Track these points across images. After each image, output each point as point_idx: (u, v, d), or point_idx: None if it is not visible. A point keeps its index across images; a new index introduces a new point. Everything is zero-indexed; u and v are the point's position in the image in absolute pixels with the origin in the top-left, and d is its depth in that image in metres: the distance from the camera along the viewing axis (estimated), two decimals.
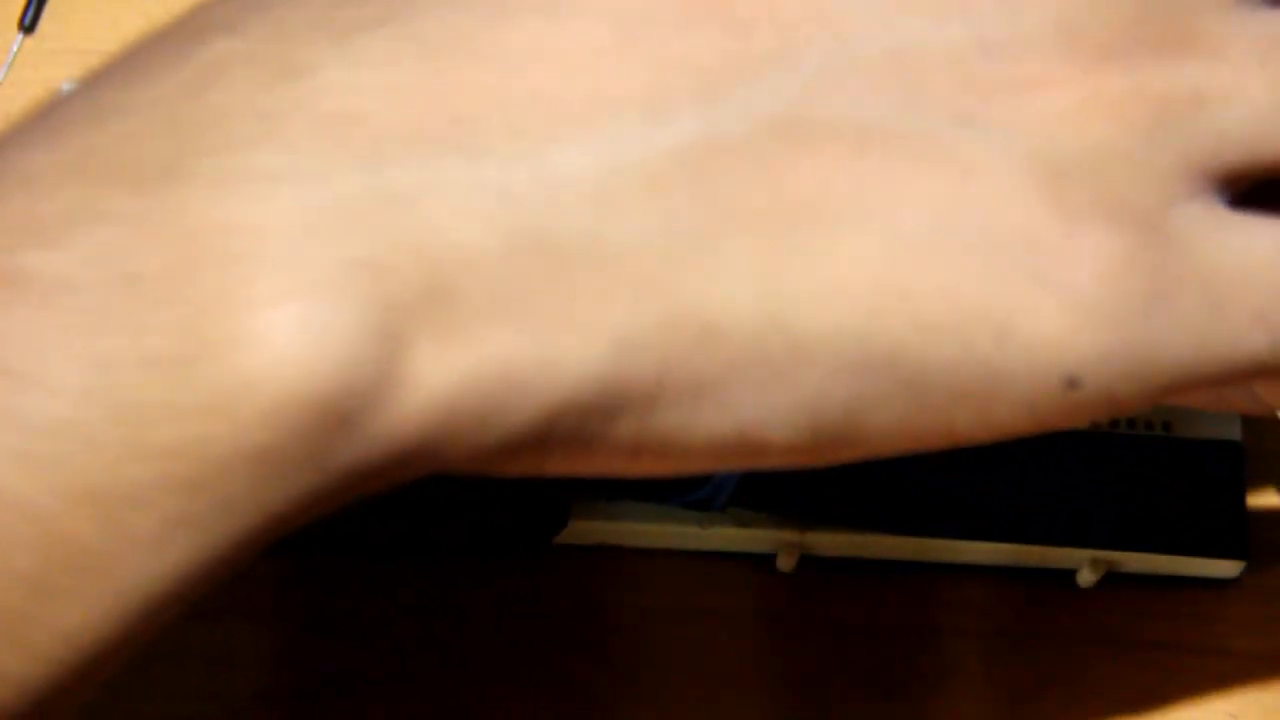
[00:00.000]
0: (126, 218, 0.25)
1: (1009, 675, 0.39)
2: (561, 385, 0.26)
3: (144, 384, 0.24)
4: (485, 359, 0.25)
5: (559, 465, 0.27)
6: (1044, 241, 0.27)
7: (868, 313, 0.26)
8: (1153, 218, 0.27)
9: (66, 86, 0.40)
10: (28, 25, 0.43)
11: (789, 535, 0.39)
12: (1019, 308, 0.27)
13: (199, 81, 0.26)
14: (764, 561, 0.40)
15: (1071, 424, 0.28)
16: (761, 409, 0.27)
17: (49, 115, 0.27)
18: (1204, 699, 0.39)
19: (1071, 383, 0.27)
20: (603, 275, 0.26)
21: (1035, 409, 0.27)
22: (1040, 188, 0.27)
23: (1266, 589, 0.40)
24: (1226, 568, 0.39)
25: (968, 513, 0.39)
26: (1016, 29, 0.27)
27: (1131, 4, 0.28)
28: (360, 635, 0.39)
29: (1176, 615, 0.40)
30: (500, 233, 0.25)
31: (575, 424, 0.26)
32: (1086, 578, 0.39)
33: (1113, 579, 0.40)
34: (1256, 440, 0.40)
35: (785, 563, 0.39)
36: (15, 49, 0.43)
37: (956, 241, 0.27)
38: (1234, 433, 0.40)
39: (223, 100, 0.25)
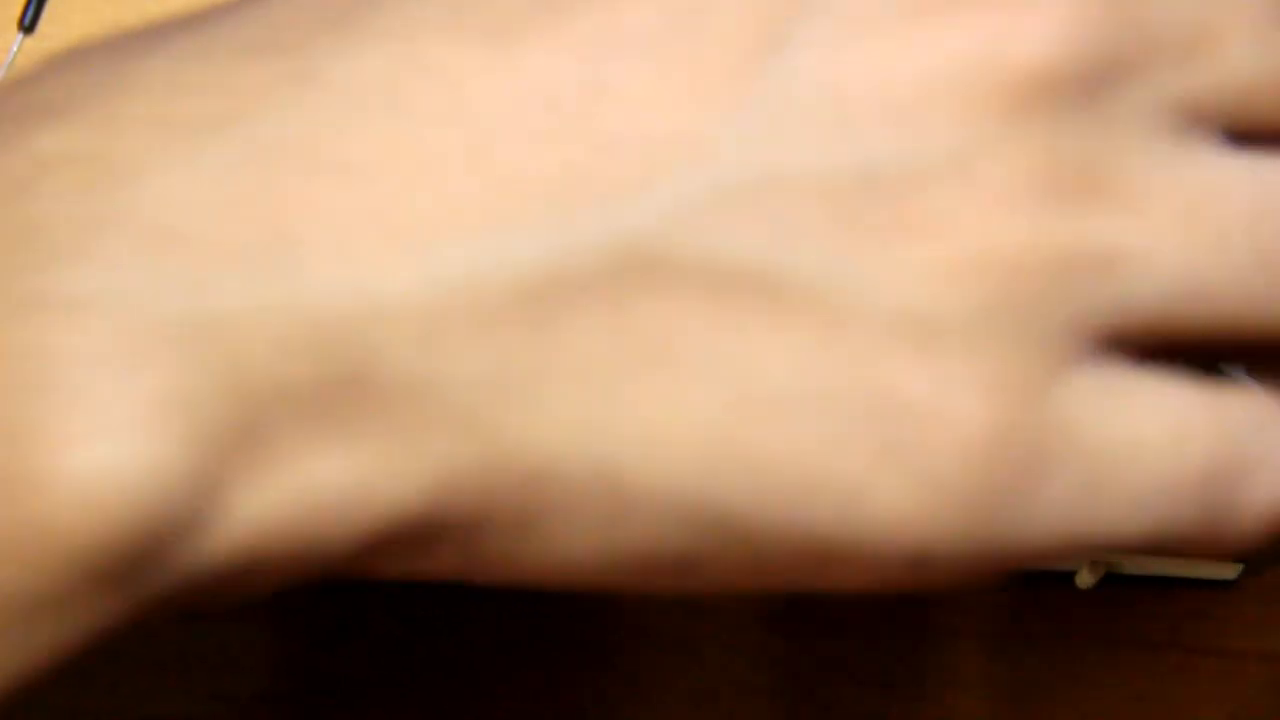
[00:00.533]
0: None
1: (1009, 675, 0.39)
2: (377, 519, 0.24)
3: None
4: (298, 493, 0.24)
5: (390, 574, 0.26)
6: (908, 412, 0.24)
7: (703, 471, 0.24)
8: (1034, 391, 0.24)
9: None
10: (28, 25, 0.43)
11: None
12: (869, 484, 0.24)
13: (18, 180, 0.24)
14: None
15: (919, 593, 0.27)
16: (587, 550, 0.25)
17: None
18: (1204, 699, 0.39)
19: (917, 564, 0.25)
20: (424, 412, 0.24)
21: (875, 579, 0.25)
22: (912, 350, 0.24)
23: (1266, 589, 0.40)
24: (1224, 569, 0.39)
25: None
26: (909, 161, 0.24)
27: (1044, 140, 0.24)
28: (361, 636, 0.39)
29: (1176, 615, 0.40)
30: (319, 364, 0.24)
31: (396, 549, 0.25)
32: (1085, 579, 0.39)
33: (1112, 580, 0.40)
34: None
35: None
36: (15, 49, 0.43)
37: (811, 403, 0.24)
38: None
39: (41, 207, 0.24)
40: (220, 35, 0.25)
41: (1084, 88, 0.24)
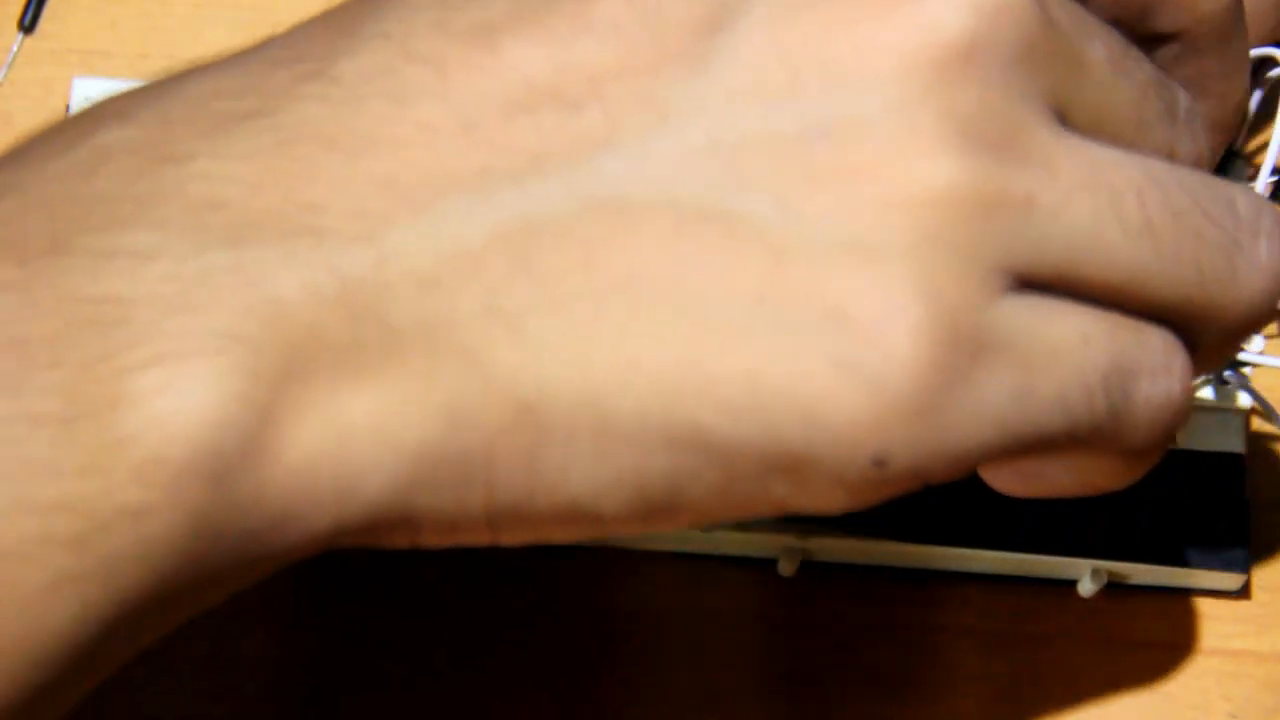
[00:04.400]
0: (15, 286, 0.26)
1: (1009, 675, 0.39)
2: (403, 456, 0.27)
3: (30, 441, 0.26)
4: (334, 429, 0.27)
5: (434, 540, 0.29)
6: (857, 326, 0.27)
7: (672, 394, 0.27)
8: (970, 306, 0.28)
9: (77, 81, 0.41)
10: (28, 25, 0.43)
11: (790, 540, 0.39)
12: (827, 394, 0.27)
13: (88, 165, 0.28)
14: (766, 566, 0.40)
15: (886, 496, 0.29)
16: (586, 482, 0.28)
17: None
18: (1204, 699, 0.39)
19: (879, 462, 0.28)
20: (430, 352, 0.27)
21: (846, 483, 0.28)
22: (858, 271, 0.27)
23: (1267, 590, 0.40)
24: (1227, 580, 0.39)
25: (969, 521, 0.39)
26: (849, 113, 0.27)
27: (970, 100, 0.28)
28: (364, 636, 0.39)
29: (1177, 616, 0.40)
30: (343, 310, 0.27)
31: (430, 497, 0.28)
32: (1087, 587, 0.39)
33: (1114, 588, 0.40)
34: (1258, 451, 0.40)
35: (786, 567, 0.39)
36: (15, 49, 0.43)
37: (767, 325, 0.27)
38: (1237, 445, 0.40)
39: (106, 183, 0.27)
40: (252, 54, 0.29)
41: (1003, 66, 0.28)
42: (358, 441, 0.27)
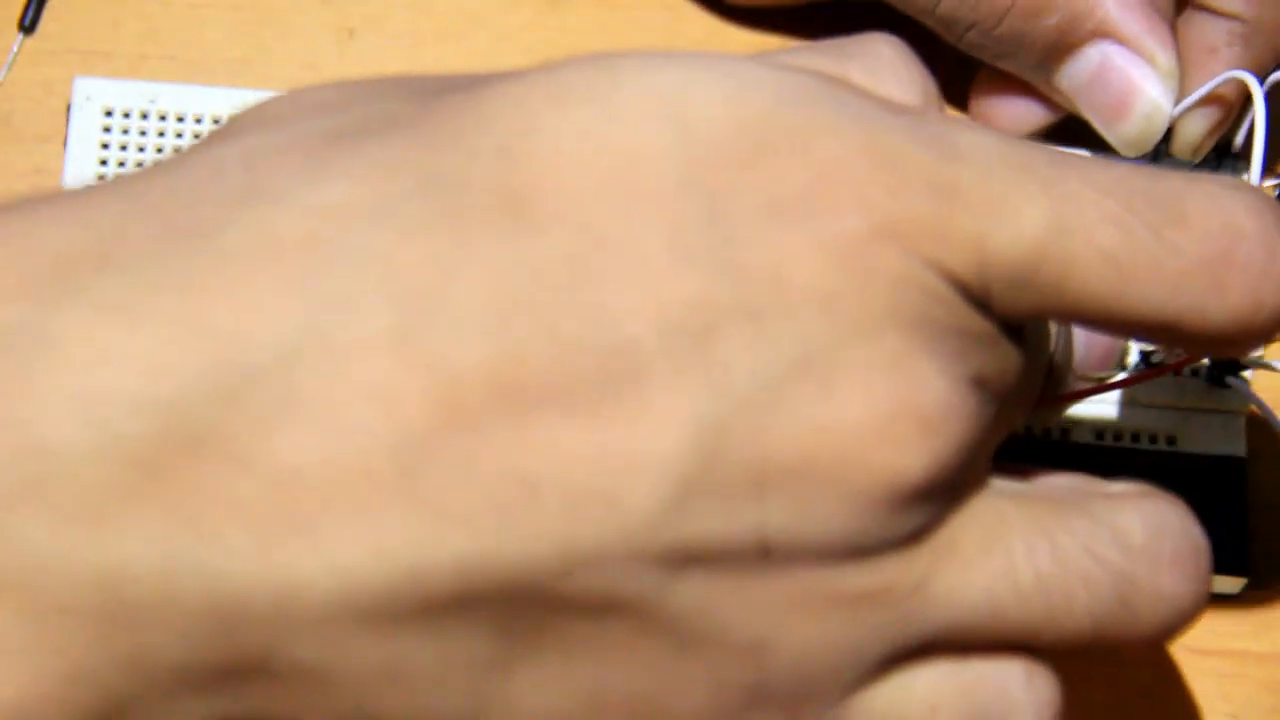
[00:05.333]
0: None
1: None
2: None
3: None
4: None
5: None
6: None
7: None
8: (834, 708, 0.28)
9: (77, 81, 0.40)
10: (28, 25, 0.43)
11: None
12: None
13: None
14: None
15: None
16: None
17: None
18: (1204, 699, 0.39)
19: None
20: (315, 693, 0.26)
21: None
22: (750, 687, 0.27)
23: (1267, 591, 0.40)
24: (1228, 584, 0.39)
25: None
26: (801, 532, 0.26)
27: (905, 523, 0.27)
28: None
29: None
30: (220, 649, 0.25)
31: None
32: None
33: None
34: (1258, 454, 0.40)
35: None
36: (15, 49, 0.43)
37: (649, 713, 0.27)
38: (1238, 448, 0.40)
39: None
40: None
41: (944, 493, 0.28)
42: None
